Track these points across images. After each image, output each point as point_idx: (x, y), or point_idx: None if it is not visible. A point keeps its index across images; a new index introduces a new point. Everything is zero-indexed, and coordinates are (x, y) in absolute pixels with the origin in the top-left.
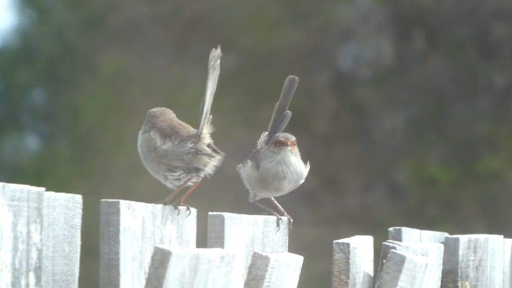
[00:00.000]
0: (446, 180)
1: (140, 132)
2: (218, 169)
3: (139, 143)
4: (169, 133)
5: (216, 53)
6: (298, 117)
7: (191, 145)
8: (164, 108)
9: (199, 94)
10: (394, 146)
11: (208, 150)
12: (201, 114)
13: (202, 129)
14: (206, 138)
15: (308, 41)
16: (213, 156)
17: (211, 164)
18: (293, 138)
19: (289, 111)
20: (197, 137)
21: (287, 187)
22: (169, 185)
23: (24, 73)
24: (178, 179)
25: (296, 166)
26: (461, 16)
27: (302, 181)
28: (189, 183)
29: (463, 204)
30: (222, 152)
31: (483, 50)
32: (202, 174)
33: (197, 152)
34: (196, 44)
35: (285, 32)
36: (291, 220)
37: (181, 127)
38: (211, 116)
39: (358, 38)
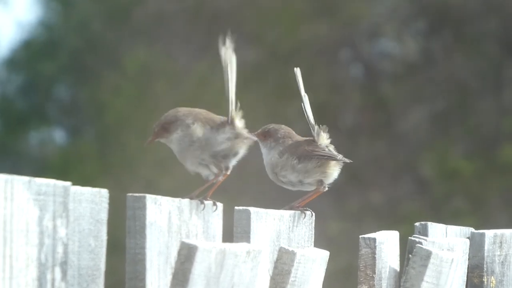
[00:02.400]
0: (469, 173)
1: (173, 137)
2: (242, 163)
3: (177, 148)
4: (208, 124)
5: (226, 45)
6: (324, 111)
7: (230, 131)
8: (179, 108)
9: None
10: (419, 140)
11: (246, 133)
12: (228, 102)
13: (232, 116)
14: (239, 125)
15: (332, 36)
16: (253, 139)
17: (242, 151)
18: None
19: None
20: (231, 124)
21: (275, 180)
22: (206, 172)
23: (50, 66)
24: (218, 165)
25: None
26: (486, 11)
27: (278, 170)
28: (218, 179)
29: (487, 197)
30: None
31: (508, 45)
32: (230, 166)
33: (237, 136)
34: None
35: (309, 27)
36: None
37: (215, 118)
38: (238, 104)
39: (384, 33)
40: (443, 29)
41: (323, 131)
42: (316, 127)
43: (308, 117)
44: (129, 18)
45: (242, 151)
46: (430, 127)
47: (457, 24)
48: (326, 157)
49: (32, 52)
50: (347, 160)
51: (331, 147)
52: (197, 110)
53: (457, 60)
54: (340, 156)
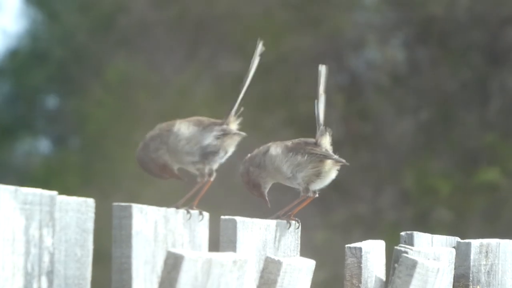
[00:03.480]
0: (449, 188)
1: (153, 143)
2: (228, 173)
3: (169, 149)
4: (195, 123)
5: (260, 47)
6: (308, 122)
7: (218, 128)
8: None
9: (207, 100)
10: (403, 151)
11: (235, 130)
12: (234, 105)
13: (229, 121)
14: (233, 127)
15: (317, 47)
16: (243, 134)
17: (232, 148)
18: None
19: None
20: (223, 123)
21: None
22: (194, 170)
23: (35, 77)
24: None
25: None
26: (471, 23)
27: (274, 160)
28: (201, 185)
29: (467, 212)
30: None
31: (493, 57)
32: (214, 170)
33: (225, 133)
34: (204, 50)
35: (293, 38)
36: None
37: (203, 119)
38: (242, 109)
39: (368, 44)
40: (428, 40)
41: (328, 133)
42: (321, 127)
43: (318, 116)
44: (113, 29)
45: (231, 149)
46: (415, 139)
47: (442, 34)
48: (320, 155)
49: (18, 62)
50: (343, 161)
51: (329, 149)
52: (179, 120)
53: (442, 71)
54: (335, 156)
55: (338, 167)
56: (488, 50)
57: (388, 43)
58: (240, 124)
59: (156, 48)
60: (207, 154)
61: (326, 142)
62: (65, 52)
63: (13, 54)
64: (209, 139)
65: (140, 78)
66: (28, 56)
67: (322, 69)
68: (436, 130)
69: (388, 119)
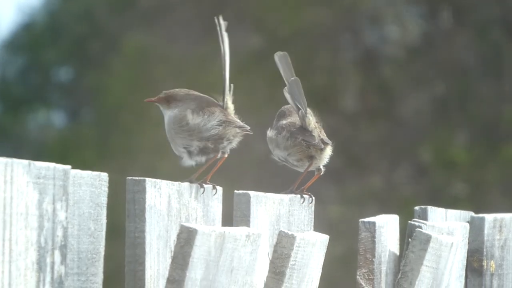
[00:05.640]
0: (469, 160)
1: (168, 113)
2: (243, 147)
3: (166, 122)
4: (198, 109)
5: (221, 21)
6: (324, 96)
7: (221, 117)
8: (185, 89)
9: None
10: (420, 125)
11: (239, 122)
12: (224, 87)
13: (226, 101)
14: (231, 111)
15: (333, 21)
16: (245, 128)
17: (237, 138)
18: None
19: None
20: (224, 110)
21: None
22: (191, 162)
23: (51, 51)
24: (205, 153)
25: None
26: None
27: (269, 143)
28: (215, 159)
29: (486, 185)
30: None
31: (510, 29)
32: (227, 149)
33: (228, 124)
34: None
35: (310, 12)
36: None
37: (209, 102)
38: (232, 85)
39: (385, 17)
40: (444, 13)
41: (309, 115)
42: (300, 111)
43: (293, 102)
44: (130, 3)
45: (236, 138)
46: (431, 112)
47: (458, 7)
48: (301, 139)
49: (33, 35)
50: (321, 146)
51: (318, 131)
52: (204, 98)
53: (458, 44)
54: (316, 141)
55: (330, 146)
56: (505, 23)
57: (404, 16)
58: (237, 101)
59: (173, 23)
60: (210, 140)
61: (310, 123)
62: (81, 26)
63: (28, 27)
64: (211, 131)
65: (158, 52)
66: (43, 30)
67: (279, 57)
68: (453, 104)
69: (404, 92)
